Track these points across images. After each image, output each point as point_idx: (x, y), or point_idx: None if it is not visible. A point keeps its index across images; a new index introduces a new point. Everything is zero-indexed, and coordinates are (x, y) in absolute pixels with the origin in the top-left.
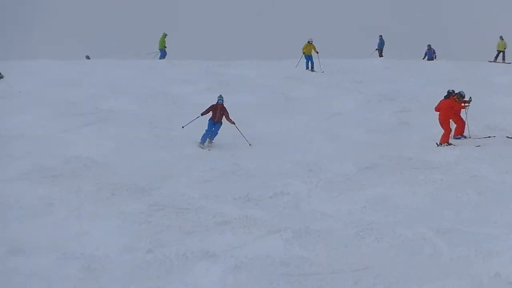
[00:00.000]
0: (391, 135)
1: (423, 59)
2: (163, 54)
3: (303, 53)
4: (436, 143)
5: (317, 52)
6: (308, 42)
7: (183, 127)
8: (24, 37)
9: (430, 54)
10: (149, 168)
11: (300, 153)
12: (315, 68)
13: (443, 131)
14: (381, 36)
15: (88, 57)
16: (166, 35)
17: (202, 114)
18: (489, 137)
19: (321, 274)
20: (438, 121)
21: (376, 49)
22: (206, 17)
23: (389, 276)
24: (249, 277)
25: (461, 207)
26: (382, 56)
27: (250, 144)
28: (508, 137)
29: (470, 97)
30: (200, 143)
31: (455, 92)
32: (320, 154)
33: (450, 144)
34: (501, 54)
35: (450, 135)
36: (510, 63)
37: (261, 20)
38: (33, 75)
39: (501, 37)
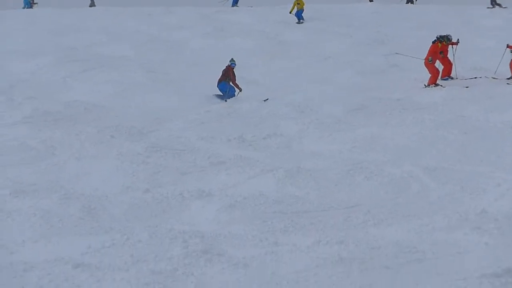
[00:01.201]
0: (381, 78)
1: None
2: (235, 0)
3: (291, 12)
4: (424, 85)
5: (303, 4)
6: None
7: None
8: None
9: None
10: (146, 111)
11: (292, 96)
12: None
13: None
14: None
15: (93, 3)
16: None
17: (228, 83)
18: (475, 78)
19: (313, 212)
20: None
21: None
22: None
23: (379, 213)
24: (243, 215)
25: (447, 146)
26: (372, 0)
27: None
28: (493, 77)
29: (458, 39)
30: (225, 100)
31: (442, 37)
32: (311, 96)
33: (437, 85)
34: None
35: (438, 77)
36: (506, 7)
37: None
38: (34, 24)
39: None
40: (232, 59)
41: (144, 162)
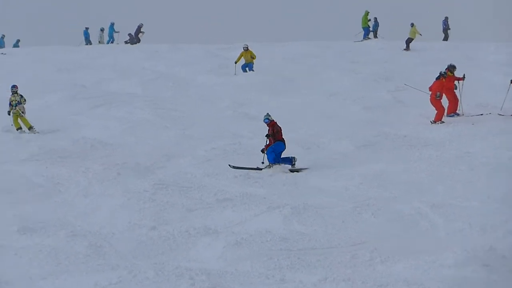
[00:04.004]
0: (387, 114)
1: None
2: (366, 33)
3: (237, 62)
4: (430, 121)
5: (254, 57)
6: (244, 49)
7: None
8: (34, 24)
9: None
10: (153, 148)
11: (298, 132)
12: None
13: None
14: (375, 18)
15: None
16: (369, 12)
17: (263, 151)
18: (481, 114)
19: (319, 249)
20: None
21: (371, 31)
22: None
23: (386, 250)
24: (249, 252)
25: (455, 183)
26: (377, 37)
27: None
28: (499, 114)
29: (464, 74)
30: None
31: (444, 72)
32: (318, 132)
33: (443, 122)
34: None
35: (444, 114)
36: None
37: (258, 2)
38: (42, 61)
39: (412, 24)
40: (266, 113)
41: (150, 199)
